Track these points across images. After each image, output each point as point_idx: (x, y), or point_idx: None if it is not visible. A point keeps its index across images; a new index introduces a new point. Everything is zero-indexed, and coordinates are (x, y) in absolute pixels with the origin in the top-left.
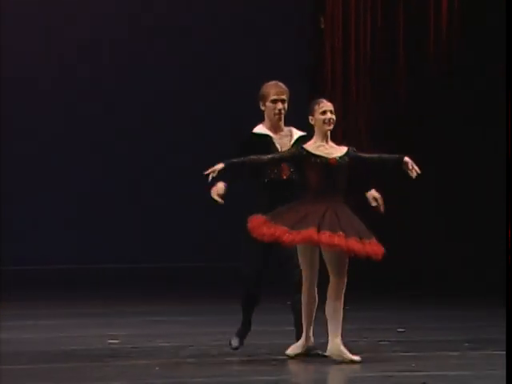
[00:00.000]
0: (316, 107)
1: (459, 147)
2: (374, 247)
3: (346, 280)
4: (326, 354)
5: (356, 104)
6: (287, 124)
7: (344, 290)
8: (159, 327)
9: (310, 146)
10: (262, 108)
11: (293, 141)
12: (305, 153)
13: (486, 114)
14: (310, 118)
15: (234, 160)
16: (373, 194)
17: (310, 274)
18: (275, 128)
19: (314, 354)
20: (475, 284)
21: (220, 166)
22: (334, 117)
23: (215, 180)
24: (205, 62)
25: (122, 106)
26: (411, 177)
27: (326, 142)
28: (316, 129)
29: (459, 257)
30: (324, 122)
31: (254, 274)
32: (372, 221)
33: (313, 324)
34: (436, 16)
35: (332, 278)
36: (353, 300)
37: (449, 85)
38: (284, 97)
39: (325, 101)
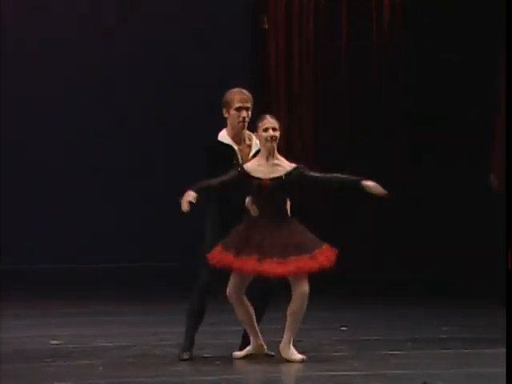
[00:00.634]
0: (259, 124)
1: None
2: (321, 257)
3: (306, 287)
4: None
5: (300, 103)
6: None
7: (307, 294)
8: (102, 327)
9: (251, 165)
10: (226, 115)
11: (251, 154)
12: (243, 173)
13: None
14: (255, 134)
15: (200, 186)
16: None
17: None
18: (238, 137)
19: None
20: (420, 283)
21: (191, 195)
22: (276, 134)
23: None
24: (148, 59)
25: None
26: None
27: (272, 158)
28: (260, 145)
29: (401, 256)
30: (266, 139)
31: (208, 286)
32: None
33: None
34: (378, 17)
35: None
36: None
37: (392, 81)
38: (248, 104)
39: (268, 117)
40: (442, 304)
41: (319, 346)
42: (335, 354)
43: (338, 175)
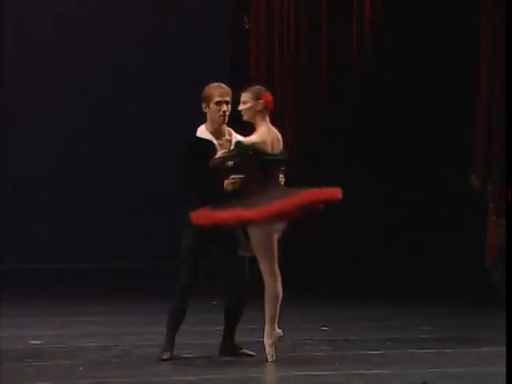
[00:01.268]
0: None
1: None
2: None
3: (279, 288)
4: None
5: (282, 104)
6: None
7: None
8: (83, 327)
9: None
10: (205, 110)
11: (232, 146)
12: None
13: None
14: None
15: None
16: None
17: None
18: (218, 132)
19: (240, 354)
20: (398, 283)
21: None
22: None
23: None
24: (127, 58)
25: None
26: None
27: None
28: None
29: (380, 256)
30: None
31: (189, 287)
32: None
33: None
34: (359, 15)
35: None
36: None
37: (374, 82)
38: (228, 98)
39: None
40: (421, 304)
41: (300, 346)
42: (316, 353)
43: None
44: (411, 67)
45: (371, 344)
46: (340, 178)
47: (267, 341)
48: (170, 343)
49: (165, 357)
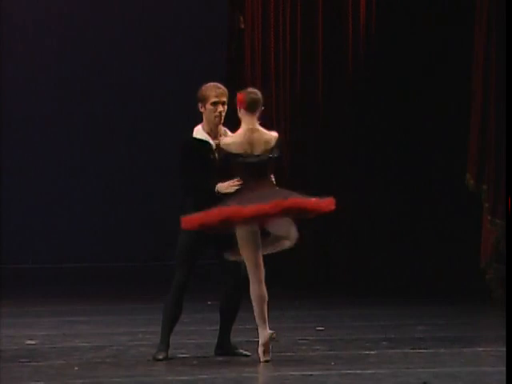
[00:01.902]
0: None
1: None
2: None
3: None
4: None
5: (276, 104)
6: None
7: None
8: (78, 327)
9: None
10: (201, 110)
11: None
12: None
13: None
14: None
15: None
16: None
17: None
18: (214, 132)
19: (236, 354)
20: (393, 283)
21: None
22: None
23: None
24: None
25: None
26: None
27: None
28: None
29: (377, 257)
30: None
31: (185, 284)
32: None
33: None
34: (354, 15)
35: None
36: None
37: (370, 83)
38: (224, 99)
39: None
40: (416, 304)
41: (295, 346)
42: (311, 353)
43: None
44: (406, 67)
45: (366, 344)
46: (336, 178)
47: (259, 341)
48: (165, 343)
49: (160, 357)
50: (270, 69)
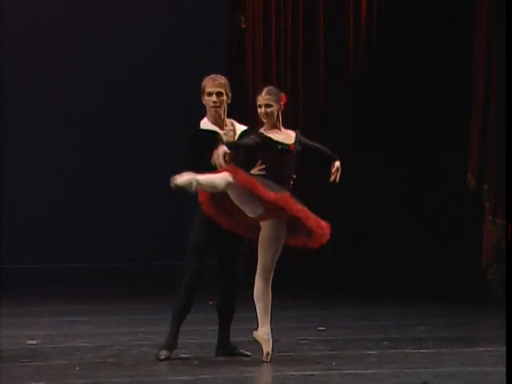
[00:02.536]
0: (257, 98)
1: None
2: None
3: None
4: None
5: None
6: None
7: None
8: (78, 327)
9: (268, 133)
10: (203, 102)
11: (237, 136)
12: (265, 138)
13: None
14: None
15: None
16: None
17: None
18: (218, 122)
19: (236, 354)
20: (394, 283)
21: (225, 149)
22: (269, 110)
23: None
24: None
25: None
26: (330, 178)
27: (278, 129)
28: (271, 117)
29: (378, 257)
30: (260, 115)
31: (199, 273)
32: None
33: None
34: (355, 15)
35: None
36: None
37: (371, 83)
38: (220, 89)
39: (263, 93)
40: (417, 304)
41: (296, 346)
42: (312, 353)
43: (320, 146)
44: (407, 67)
45: (367, 344)
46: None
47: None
48: (173, 338)
49: (162, 357)
50: (271, 68)
